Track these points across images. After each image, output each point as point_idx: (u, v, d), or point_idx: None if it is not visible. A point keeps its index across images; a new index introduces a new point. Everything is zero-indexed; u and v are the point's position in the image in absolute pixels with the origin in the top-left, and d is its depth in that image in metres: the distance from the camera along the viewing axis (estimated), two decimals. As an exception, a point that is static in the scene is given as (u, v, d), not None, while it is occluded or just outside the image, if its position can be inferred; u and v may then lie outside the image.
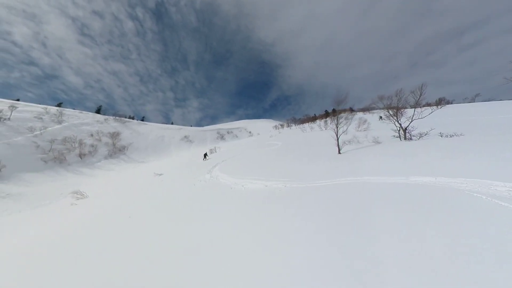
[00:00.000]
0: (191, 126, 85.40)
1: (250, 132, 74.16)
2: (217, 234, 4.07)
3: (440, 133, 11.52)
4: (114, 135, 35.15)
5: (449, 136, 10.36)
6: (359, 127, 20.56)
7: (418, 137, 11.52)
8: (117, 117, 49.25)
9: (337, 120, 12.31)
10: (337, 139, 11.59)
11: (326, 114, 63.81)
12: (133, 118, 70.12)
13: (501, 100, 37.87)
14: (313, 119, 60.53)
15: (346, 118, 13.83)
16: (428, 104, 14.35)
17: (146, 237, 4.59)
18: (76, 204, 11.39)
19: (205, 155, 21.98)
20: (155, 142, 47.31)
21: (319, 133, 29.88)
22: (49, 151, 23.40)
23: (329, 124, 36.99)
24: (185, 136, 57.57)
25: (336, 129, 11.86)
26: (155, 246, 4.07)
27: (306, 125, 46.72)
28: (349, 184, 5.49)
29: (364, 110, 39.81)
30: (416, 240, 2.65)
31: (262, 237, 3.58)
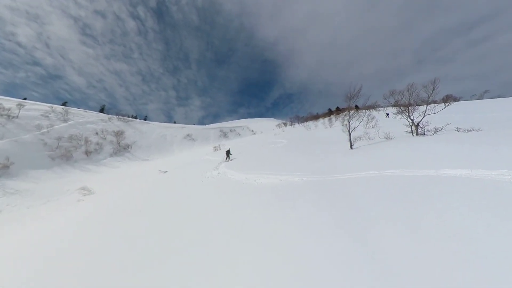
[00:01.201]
0: (194, 124, 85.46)
1: (252, 131, 73.95)
2: (244, 224, 3.86)
3: (457, 127, 11.16)
4: (118, 134, 35.25)
5: (466, 131, 10.00)
6: (367, 124, 20.20)
7: (433, 132, 11.18)
8: (120, 116, 49.47)
9: (349, 115, 12.02)
10: (350, 135, 11.31)
11: (330, 112, 63.24)
12: (135, 118, 70.47)
13: (510, 96, 37.02)
14: (316, 117, 60.00)
15: (356, 115, 13.54)
16: (434, 102, 14.00)
17: (158, 233, 4.40)
18: (83, 200, 11.32)
19: (228, 153, 16.14)
20: (158, 140, 47.41)
21: (324, 130, 29.51)
22: (56, 148, 23.50)
23: (334, 122, 36.58)
24: (188, 135, 57.61)
25: (348, 125, 11.58)
26: (168, 242, 3.87)
27: (310, 123, 46.30)
28: (372, 177, 5.23)
29: (370, 107, 39.29)
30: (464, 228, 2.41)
31: (294, 225, 3.36)
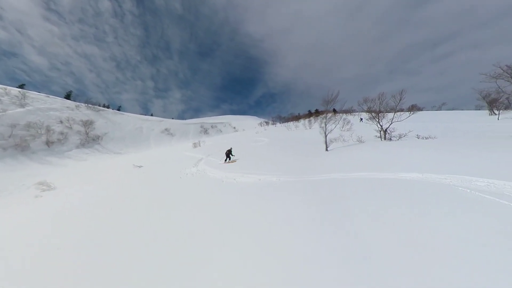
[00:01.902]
0: (173, 118, 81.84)
1: (234, 128, 73.47)
2: (218, 224, 3.94)
3: (417, 135, 12.50)
4: (87, 124, 32.38)
5: (424, 138, 11.29)
6: (343, 127, 21.50)
7: (398, 138, 12.39)
8: (90, 105, 45.33)
9: (326, 119, 12.70)
10: (325, 137, 11.97)
11: (310, 114, 65.52)
12: (108, 107, 65.20)
13: (462, 109, 42.32)
14: (298, 118, 61.81)
15: (333, 118, 14.36)
16: (401, 110, 15.57)
17: (128, 231, 4.29)
18: (41, 196, 10.29)
19: (229, 154, 12.76)
20: (132, 133, 44.63)
21: (304, 131, 30.61)
22: (9, 137, 20.77)
23: (313, 123, 38.10)
24: (166, 129, 55.20)
25: (325, 128, 12.23)
26: (139, 240, 3.82)
27: (291, 123, 47.58)
28: (341, 179, 5.70)
29: (346, 112, 41.64)
30: (405, 226, 2.84)
31: (270, 224, 3.55)
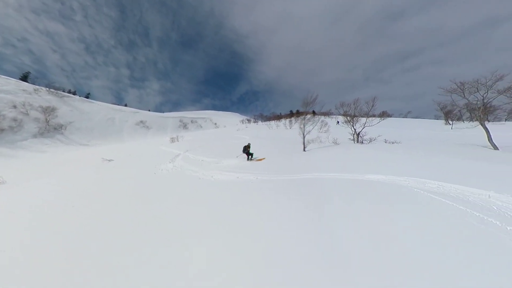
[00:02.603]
0: (149, 110, 77.35)
1: (215, 124, 72.12)
2: (192, 224, 3.87)
3: (385, 139, 13.63)
4: (48, 110, 28.98)
5: (391, 143, 12.36)
6: (320, 128, 22.45)
7: (368, 141, 13.37)
8: (52, 89, 40.55)
9: (304, 120, 13.14)
10: (304, 138, 12.40)
11: (291, 114, 67.16)
12: (74, 93, 59.17)
13: (424, 118, 47.18)
14: (279, 117, 62.96)
15: (311, 120, 14.94)
16: (373, 115, 16.93)
17: (91, 231, 4.00)
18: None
19: (248, 150, 10.56)
20: (103, 124, 41.24)
21: (284, 131, 31.33)
22: None
23: (294, 123, 39.13)
24: (142, 121, 52.09)
25: (303, 129, 12.65)
26: (101, 242, 3.60)
27: (272, 122, 48.28)
28: (315, 179, 5.99)
29: (325, 114, 43.56)
30: (368, 222, 3.13)
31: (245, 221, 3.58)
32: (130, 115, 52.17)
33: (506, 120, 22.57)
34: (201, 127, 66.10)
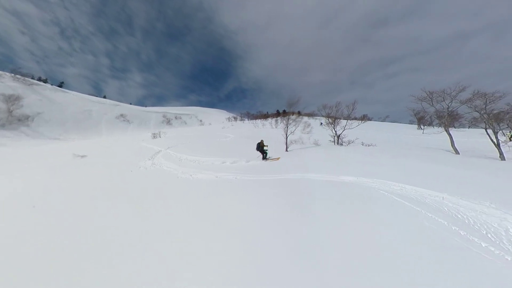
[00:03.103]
0: (131, 104, 73.55)
1: (201, 121, 70.75)
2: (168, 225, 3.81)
3: (362, 142, 14.36)
4: (12, 99, 26.35)
5: (367, 145, 13.08)
6: (304, 129, 23.06)
7: (347, 144, 14.00)
8: (18, 76, 36.86)
9: (287, 120, 13.40)
10: (286, 138, 12.66)
11: (278, 114, 67.92)
12: (45, 81, 54.39)
13: (400, 123, 50.43)
14: (266, 116, 63.38)
15: (295, 120, 15.27)
16: (355, 118, 17.82)
17: (57, 235, 3.79)
18: None
19: (261, 148, 10.11)
20: (78, 116, 38.58)
21: (270, 130, 31.62)
22: None
23: (279, 123, 39.65)
24: (122, 115, 49.57)
25: (286, 129, 12.90)
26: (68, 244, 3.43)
27: (259, 121, 48.49)
28: (295, 179, 6.18)
29: (309, 115, 44.67)
30: (347, 220, 3.33)
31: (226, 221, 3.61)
32: (109, 108, 49.31)
33: (469, 127, 24.94)
34: (186, 123, 64.48)
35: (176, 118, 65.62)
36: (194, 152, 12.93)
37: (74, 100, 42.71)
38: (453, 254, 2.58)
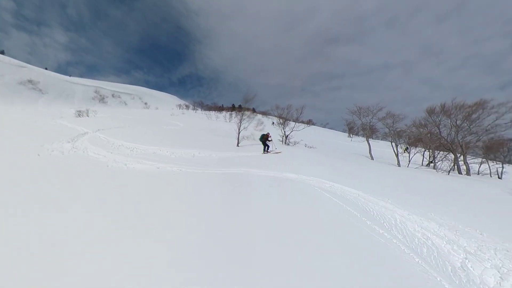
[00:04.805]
0: (46, 69, 57.00)
1: (146, 104, 62.41)
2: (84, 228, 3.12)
3: (306, 144, 16.04)
4: None
5: (309, 147, 14.72)
6: (257, 126, 23.77)
7: (294, 144, 15.33)
8: None
9: (241, 116, 13.46)
10: (238, 133, 12.71)
11: (233, 108, 67.40)
12: None
13: (336, 130, 59.14)
14: (221, 109, 61.74)
15: (249, 117, 15.51)
16: (302, 122, 19.78)
17: None
18: None
19: (266, 139, 10.07)
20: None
21: (223, 124, 31.02)
22: None
23: (234, 117, 39.45)
24: (31, 81, 38.38)
25: (239, 124, 12.94)
26: None
27: (213, 113, 46.77)
28: (242, 173, 6.27)
29: (263, 113, 46.41)
30: (280, 209, 3.60)
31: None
32: (9, 69, 36.85)
33: (381, 139, 31.88)
34: (126, 104, 55.53)
35: (113, 96, 55.41)
36: (133, 138, 11.25)
37: None
38: (359, 237, 3.21)
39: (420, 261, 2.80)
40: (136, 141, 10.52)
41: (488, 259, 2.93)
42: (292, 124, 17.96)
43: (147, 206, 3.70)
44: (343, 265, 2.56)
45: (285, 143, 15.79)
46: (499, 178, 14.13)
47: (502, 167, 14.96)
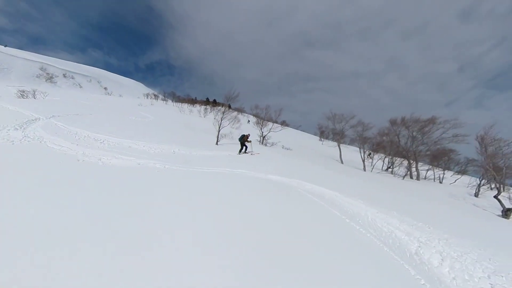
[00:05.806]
0: (-27, 34, 45.75)
1: (106, 89, 55.88)
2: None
3: (283, 145, 16.74)
4: None
5: (286, 149, 15.44)
6: (233, 124, 23.66)
7: (271, 145, 15.84)
8: None
9: (223, 114, 13.32)
10: (218, 131, 12.55)
11: (207, 102, 65.20)
12: None
13: (309, 133, 62.50)
14: (194, 102, 59.02)
15: (228, 114, 15.39)
16: (282, 123, 20.57)
17: None
18: None
19: (245, 140, 10.27)
20: None
21: (198, 118, 29.96)
22: None
23: (209, 112, 38.26)
24: (-51, 47, 30.68)
25: (220, 122, 12.77)
26: None
27: (186, 105, 44.46)
28: (226, 173, 6.34)
29: (238, 110, 46.17)
30: (272, 208, 3.86)
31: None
32: None
33: (348, 144, 35.33)
34: (81, 87, 48.78)
35: (65, 76, 47.84)
36: (99, 129, 10.12)
37: None
38: (340, 233, 3.71)
39: (388, 250, 3.46)
40: (104, 132, 9.51)
41: (434, 246, 3.77)
42: (270, 125, 18.49)
43: (147, 207, 3.50)
44: (331, 254, 3.01)
45: (263, 143, 16.19)
46: (440, 182, 17.24)
47: (443, 173, 18.29)
